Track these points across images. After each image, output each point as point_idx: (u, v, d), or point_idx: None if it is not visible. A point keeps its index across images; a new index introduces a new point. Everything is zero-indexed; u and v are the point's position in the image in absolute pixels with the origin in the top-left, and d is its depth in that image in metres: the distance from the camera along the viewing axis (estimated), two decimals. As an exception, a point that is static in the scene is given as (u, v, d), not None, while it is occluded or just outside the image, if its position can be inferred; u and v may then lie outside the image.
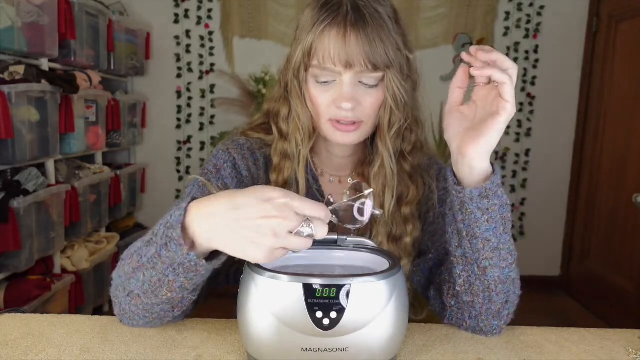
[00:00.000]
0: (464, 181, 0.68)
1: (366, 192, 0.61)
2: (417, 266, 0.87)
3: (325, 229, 0.56)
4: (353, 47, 0.72)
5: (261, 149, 0.87)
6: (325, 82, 0.77)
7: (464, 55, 0.66)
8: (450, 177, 0.69)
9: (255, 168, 0.86)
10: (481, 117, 0.67)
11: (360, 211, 0.61)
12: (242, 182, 0.85)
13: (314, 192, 0.88)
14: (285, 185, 0.84)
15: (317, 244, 0.66)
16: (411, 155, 0.84)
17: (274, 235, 0.53)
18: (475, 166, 0.66)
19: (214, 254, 0.61)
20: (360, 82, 0.76)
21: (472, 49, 0.65)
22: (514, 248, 0.71)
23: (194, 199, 0.59)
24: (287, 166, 0.83)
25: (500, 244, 0.68)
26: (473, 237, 0.68)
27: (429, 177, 0.88)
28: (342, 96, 0.75)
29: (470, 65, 0.65)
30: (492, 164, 0.68)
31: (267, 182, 0.86)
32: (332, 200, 0.60)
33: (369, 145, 0.87)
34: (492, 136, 0.65)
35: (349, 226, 0.62)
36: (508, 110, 0.64)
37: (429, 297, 0.83)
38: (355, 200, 0.61)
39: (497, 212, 0.67)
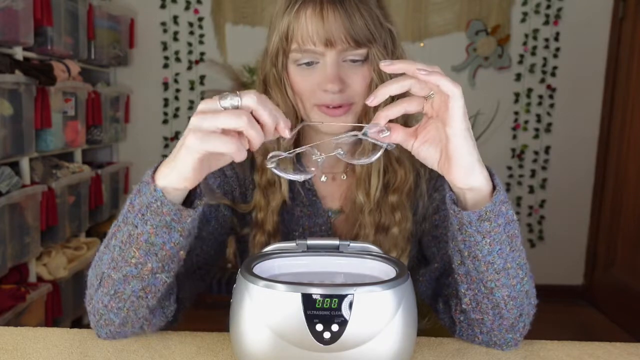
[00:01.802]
0: (463, 200, 0.67)
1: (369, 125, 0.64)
2: (423, 276, 0.87)
3: (253, 97, 0.57)
4: (332, 24, 0.74)
5: None
6: (307, 65, 0.78)
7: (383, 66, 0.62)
8: (447, 193, 0.67)
9: (241, 168, 0.88)
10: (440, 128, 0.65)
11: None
12: (227, 182, 0.87)
13: (306, 192, 0.89)
14: (270, 185, 0.85)
15: (318, 250, 0.66)
16: None
17: (201, 119, 0.58)
18: (466, 185, 0.64)
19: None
20: (344, 61, 0.77)
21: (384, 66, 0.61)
22: (525, 261, 0.70)
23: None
24: None
25: (507, 263, 0.67)
26: (475, 259, 0.67)
27: (418, 164, 0.87)
28: (326, 78, 0.75)
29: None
30: (492, 175, 0.66)
31: (252, 183, 0.88)
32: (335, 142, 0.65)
33: None
34: (460, 150, 0.62)
35: (358, 161, 0.67)
36: (456, 109, 0.60)
37: (437, 311, 0.83)
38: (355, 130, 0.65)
39: (502, 232, 0.65)
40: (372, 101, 0.61)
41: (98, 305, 0.68)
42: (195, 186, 0.64)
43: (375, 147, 0.66)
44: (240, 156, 0.58)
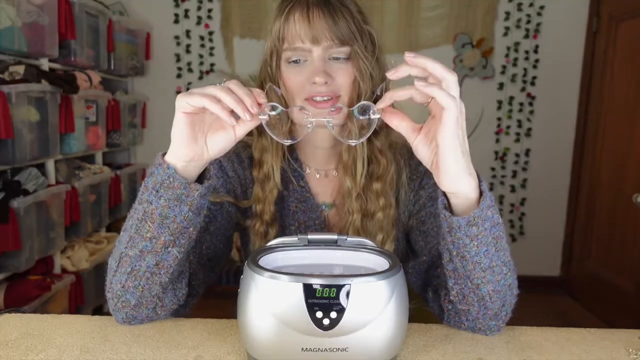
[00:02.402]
0: (453, 204, 0.67)
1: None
2: (412, 268, 0.87)
3: (233, 81, 0.63)
4: (317, 24, 0.77)
5: (245, 150, 0.91)
6: (297, 62, 0.80)
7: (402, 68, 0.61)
8: (440, 198, 0.68)
9: (241, 169, 0.89)
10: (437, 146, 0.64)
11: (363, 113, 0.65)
12: (229, 182, 0.88)
13: (301, 189, 0.89)
14: (266, 179, 0.86)
15: (318, 244, 0.66)
16: (381, 131, 0.85)
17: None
18: (451, 190, 0.64)
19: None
20: (330, 58, 0.79)
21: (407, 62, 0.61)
22: (509, 258, 0.70)
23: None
24: (267, 159, 0.86)
25: (493, 262, 0.67)
26: (463, 259, 0.67)
27: (399, 155, 0.89)
28: (314, 71, 0.78)
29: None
30: (480, 182, 0.65)
31: (252, 181, 0.89)
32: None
33: None
34: (447, 158, 0.61)
35: (348, 141, 0.71)
36: (450, 114, 0.59)
37: (427, 299, 0.83)
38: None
39: (489, 235, 0.66)
40: (380, 105, 0.63)
41: (116, 288, 0.69)
42: (204, 170, 0.68)
43: (362, 130, 0.67)
44: (224, 114, 0.60)
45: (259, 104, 0.63)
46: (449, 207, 0.67)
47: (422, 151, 0.65)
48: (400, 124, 0.65)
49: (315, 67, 0.78)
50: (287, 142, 0.68)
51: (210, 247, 0.84)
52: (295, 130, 0.89)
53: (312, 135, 0.87)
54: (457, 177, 0.62)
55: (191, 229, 0.67)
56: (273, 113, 0.65)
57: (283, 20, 0.79)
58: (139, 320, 0.73)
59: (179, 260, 0.68)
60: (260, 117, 0.63)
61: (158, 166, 0.65)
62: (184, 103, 0.61)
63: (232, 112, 0.62)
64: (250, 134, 0.89)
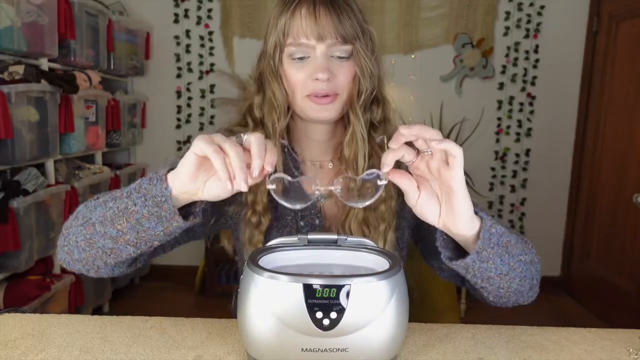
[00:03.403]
0: (459, 241, 0.71)
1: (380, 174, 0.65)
2: (442, 264, 0.83)
3: (256, 135, 0.62)
4: (323, 21, 0.78)
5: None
6: (300, 59, 0.80)
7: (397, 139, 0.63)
8: (442, 252, 0.71)
9: None
10: (443, 194, 0.67)
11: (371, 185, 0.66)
12: None
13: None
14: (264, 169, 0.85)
15: (318, 244, 0.66)
16: (381, 127, 0.87)
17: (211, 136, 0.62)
18: (468, 232, 0.68)
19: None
20: (332, 56, 0.80)
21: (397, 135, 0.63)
22: (522, 246, 0.74)
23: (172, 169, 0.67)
24: None
25: (511, 263, 0.71)
26: (487, 280, 0.71)
27: None
28: (317, 68, 0.79)
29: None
30: (474, 205, 0.69)
31: None
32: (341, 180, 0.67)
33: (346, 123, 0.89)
34: (463, 210, 0.65)
35: (355, 204, 0.69)
36: (458, 179, 0.63)
37: (465, 287, 0.86)
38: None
39: (498, 248, 0.69)
40: (385, 169, 0.64)
41: (70, 237, 0.72)
42: (196, 205, 0.68)
43: (368, 190, 0.69)
44: (224, 175, 0.59)
45: (264, 170, 0.62)
46: (449, 245, 0.72)
47: (428, 206, 0.67)
48: (406, 183, 0.67)
49: (319, 63, 0.79)
50: (298, 207, 0.66)
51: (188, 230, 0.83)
52: (294, 128, 0.89)
53: (310, 130, 0.89)
54: (471, 216, 0.67)
55: (156, 242, 0.69)
56: (272, 187, 0.63)
57: (289, 15, 0.80)
58: (72, 268, 0.76)
59: (131, 256, 0.71)
60: (268, 186, 0.63)
61: (159, 180, 0.65)
62: (199, 148, 0.61)
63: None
64: (244, 124, 0.91)
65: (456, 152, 0.62)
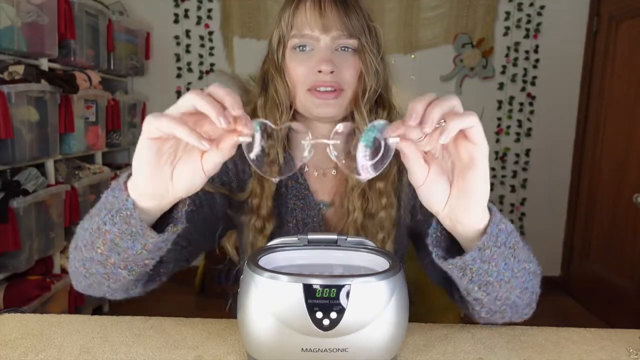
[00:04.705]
0: (459, 237, 0.61)
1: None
2: (430, 264, 0.80)
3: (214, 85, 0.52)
4: (329, 13, 0.77)
5: None
6: (303, 49, 0.78)
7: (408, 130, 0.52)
8: (434, 251, 0.61)
9: (241, 162, 0.87)
10: (456, 170, 0.56)
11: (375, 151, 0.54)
12: (226, 174, 0.86)
13: (299, 186, 0.88)
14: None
15: (318, 244, 0.66)
16: None
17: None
18: (477, 226, 0.59)
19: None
20: (337, 50, 0.78)
21: (407, 122, 0.51)
22: (528, 253, 0.65)
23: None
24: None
25: (515, 269, 0.62)
26: (486, 285, 0.62)
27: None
28: (320, 60, 0.76)
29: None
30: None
31: (250, 175, 0.86)
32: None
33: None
34: (481, 192, 0.55)
35: (361, 174, 0.55)
36: (482, 153, 0.53)
37: (454, 299, 0.78)
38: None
39: (505, 248, 0.60)
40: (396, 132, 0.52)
41: (71, 263, 0.66)
42: (178, 209, 0.59)
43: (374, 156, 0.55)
44: (193, 137, 0.50)
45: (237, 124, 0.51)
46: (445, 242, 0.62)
47: (436, 187, 0.56)
48: (415, 153, 0.54)
49: (322, 55, 0.76)
50: (275, 179, 0.58)
51: (189, 236, 0.79)
52: (290, 146, 0.86)
53: (312, 130, 0.86)
54: (485, 201, 0.57)
55: (147, 261, 0.61)
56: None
57: (293, 7, 0.79)
58: (92, 294, 0.70)
59: (129, 280, 0.64)
60: (241, 138, 0.51)
61: (120, 190, 0.56)
62: (153, 128, 0.51)
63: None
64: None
65: (473, 121, 0.51)
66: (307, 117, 0.84)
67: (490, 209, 0.59)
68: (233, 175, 0.87)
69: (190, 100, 0.51)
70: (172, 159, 0.55)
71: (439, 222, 0.61)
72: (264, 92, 0.86)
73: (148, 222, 0.58)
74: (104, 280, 0.64)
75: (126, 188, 0.56)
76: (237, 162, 0.87)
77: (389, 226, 0.84)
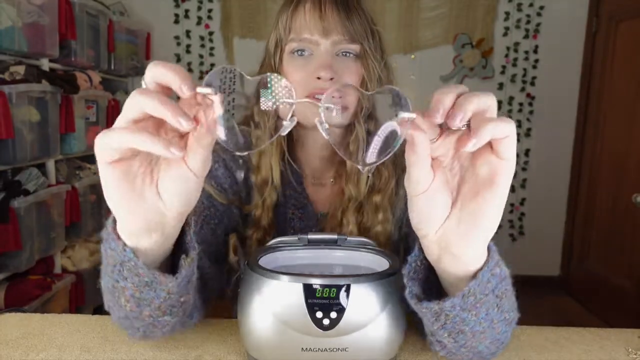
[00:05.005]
0: (442, 273, 0.50)
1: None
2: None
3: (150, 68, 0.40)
4: (330, 17, 0.72)
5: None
6: (301, 54, 0.74)
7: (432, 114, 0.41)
8: (409, 286, 0.51)
9: (248, 172, 0.84)
10: (466, 186, 0.45)
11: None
12: (236, 184, 0.82)
13: (298, 196, 0.84)
14: (264, 184, 0.80)
15: (318, 244, 0.66)
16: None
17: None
18: (470, 262, 0.48)
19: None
20: (337, 55, 0.74)
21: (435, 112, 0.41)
22: (512, 302, 0.54)
23: None
24: (265, 163, 0.81)
25: (495, 320, 0.51)
26: (459, 333, 0.51)
27: (399, 170, 0.83)
28: (320, 65, 0.71)
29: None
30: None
31: (253, 184, 0.83)
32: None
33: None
34: (491, 220, 0.44)
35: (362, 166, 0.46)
36: (508, 172, 0.42)
37: (412, 320, 0.63)
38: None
39: (492, 296, 0.49)
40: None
41: (115, 320, 0.57)
42: (185, 234, 0.50)
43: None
44: (159, 148, 0.39)
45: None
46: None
47: (436, 202, 0.45)
48: (424, 152, 0.43)
49: (322, 61, 0.72)
50: (243, 154, 0.46)
51: (219, 249, 0.79)
52: (281, 126, 0.82)
53: (308, 139, 0.83)
54: (490, 235, 0.46)
55: (182, 298, 0.52)
56: (206, 90, 0.40)
57: (292, 9, 0.74)
58: (154, 339, 0.63)
59: (178, 320, 0.56)
60: (199, 89, 0.40)
61: (112, 241, 0.47)
62: (105, 148, 0.40)
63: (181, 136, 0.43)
64: (247, 125, 0.83)
65: (507, 132, 0.40)
66: (305, 127, 0.79)
67: (489, 248, 0.48)
68: (243, 187, 0.83)
69: (136, 105, 0.40)
70: (148, 178, 0.43)
71: (421, 249, 0.51)
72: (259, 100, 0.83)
73: (161, 262, 0.50)
74: (153, 329, 0.55)
75: (118, 236, 0.46)
76: (246, 174, 0.83)
77: (384, 241, 0.82)
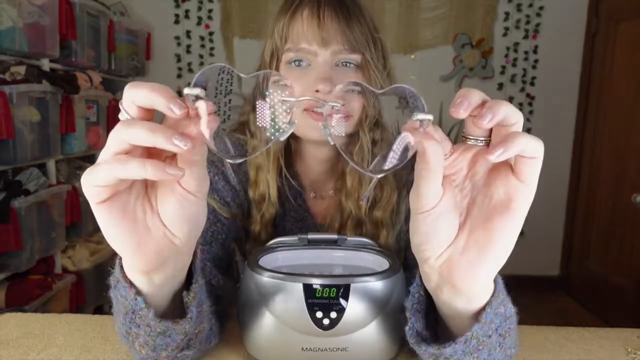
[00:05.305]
0: (442, 305, 0.46)
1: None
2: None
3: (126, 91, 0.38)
4: (329, 25, 0.67)
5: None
6: (299, 64, 0.70)
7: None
8: (410, 321, 0.48)
9: (246, 180, 0.82)
10: (477, 209, 0.41)
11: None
12: (239, 197, 0.80)
13: (298, 208, 0.82)
14: (262, 199, 0.78)
15: (318, 244, 0.66)
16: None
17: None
18: (474, 297, 0.44)
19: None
20: (337, 65, 0.70)
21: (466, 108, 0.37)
22: (515, 339, 0.51)
23: None
24: (262, 178, 0.77)
25: (498, 357, 0.48)
26: None
27: (401, 185, 0.80)
28: (318, 77, 0.67)
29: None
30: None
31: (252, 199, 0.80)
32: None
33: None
34: (502, 249, 0.40)
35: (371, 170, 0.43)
36: (528, 197, 0.39)
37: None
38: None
39: (495, 335, 0.46)
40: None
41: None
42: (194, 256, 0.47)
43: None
44: (157, 173, 0.36)
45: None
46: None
47: (442, 224, 0.40)
48: (437, 164, 0.38)
49: (320, 72, 0.68)
50: (236, 161, 0.41)
51: (229, 260, 0.78)
52: (295, 152, 0.79)
53: (306, 152, 0.80)
54: (497, 270, 0.42)
55: (197, 331, 0.51)
56: (193, 92, 0.38)
57: (289, 17, 0.70)
58: None
59: (199, 349, 0.54)
60: (186, 90, 0.39)
61: (122, 288, 0.44)
62: (92, 188, 0.37)
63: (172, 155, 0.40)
64: (243, 133, 0.80)
65: (536, 152, 0.37)
66: (303, 140, 0.77)
67: (495, 282, 0.44)
68: (243, 198, 0.80)
69: (120, 138, 0.37)
70: (148, 208, 0.40)
71: (421, 278, 0.47)
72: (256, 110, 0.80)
73: (175, 291, 0.48)
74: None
75: (128, 282, 0.44)
76: (245, 184, 0.80)
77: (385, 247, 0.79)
